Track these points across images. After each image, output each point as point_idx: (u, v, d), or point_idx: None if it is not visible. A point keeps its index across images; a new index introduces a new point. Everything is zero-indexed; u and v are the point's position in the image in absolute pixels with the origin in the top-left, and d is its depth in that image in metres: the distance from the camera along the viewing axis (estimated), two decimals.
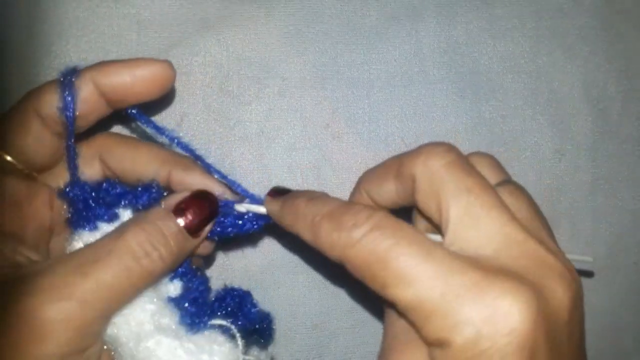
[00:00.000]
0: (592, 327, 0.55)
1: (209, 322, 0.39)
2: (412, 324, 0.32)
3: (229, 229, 0.42)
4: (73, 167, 0.40)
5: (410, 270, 0.31)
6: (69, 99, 0.38)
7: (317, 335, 0.53)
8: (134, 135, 0.50)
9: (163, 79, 0.40)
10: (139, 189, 0.40)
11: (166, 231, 0.37)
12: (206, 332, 0.38)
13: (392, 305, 0.32)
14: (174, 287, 0.40)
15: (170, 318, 0.38)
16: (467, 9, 0.55)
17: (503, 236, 0.32)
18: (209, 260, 0.50)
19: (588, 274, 0.56)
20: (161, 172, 0.41)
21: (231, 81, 0.53)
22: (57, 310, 0.33)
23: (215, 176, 0.44)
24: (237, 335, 0.39)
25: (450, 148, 0.35)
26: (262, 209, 0.42)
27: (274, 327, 0.43)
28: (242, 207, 0.43)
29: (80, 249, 0.37)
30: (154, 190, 0.40)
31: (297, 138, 0.53)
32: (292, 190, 0.41)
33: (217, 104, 0.52)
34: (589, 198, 0.56)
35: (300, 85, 0.53)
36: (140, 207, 0.40)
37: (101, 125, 0.43)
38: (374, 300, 0.53)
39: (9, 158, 0.39)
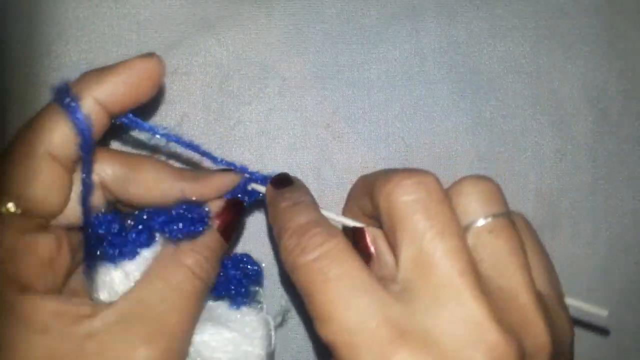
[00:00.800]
0: (592, 327, 0.55)
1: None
2: None
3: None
4: (87, 204, 0.38)
5: (331, 311, 0.31)
6: (87, 131, 0.35)
7: (316, 336, 0.53)
8: (127, 146, 0.49)
9: (156, 74, 0.38)
10: (176, 213, 0.39)
11: (210, 244, 0.38)
12: (241, 309, 0.41)
13: None
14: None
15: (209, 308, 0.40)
16: (467, 8, 0.55)
17: (444, 293, 0.31)
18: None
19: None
20: (172, 192, 0.39)
21: (231, 81, 0.53)
22: (150, 349, 0.33)
23: (220, 165, 0.44)
24: (264, 306, 0.42)
25: (418, 182, 0.33)
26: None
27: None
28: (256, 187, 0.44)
29: (137, 289, 0.35)
30: (195, 213, 0.40)
31: (298, 138, 0.53)
32: (294, 182, 0.42)
33: (217, 104, 0.52)
34: (590, 198, 0.56)
35: (300, 85, 0.53)
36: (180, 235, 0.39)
37: None
38: None
39: (19, 211, 0.35)
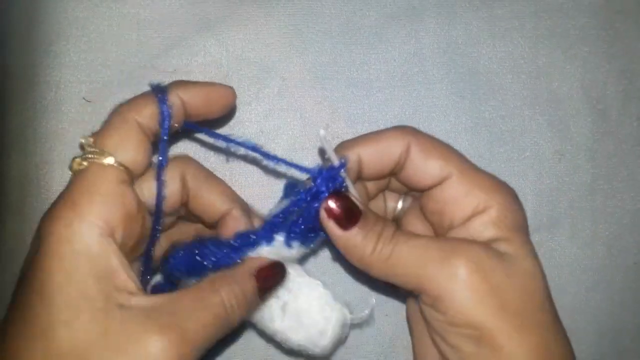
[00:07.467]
0: (592, 327, 0.55)
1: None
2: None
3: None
4: (160, 174, 0.43)
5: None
6: (167, 111, 0.42)
7: None
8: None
9: (228, 100, 0.45)
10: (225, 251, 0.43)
11: (247, 292, 0.41)
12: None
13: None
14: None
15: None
16: (466, 9, 0.56)
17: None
18: None
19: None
20: (224, 206, 0.45)
21: (231, 81, 0.53)
22: (177, 352, 0.35)
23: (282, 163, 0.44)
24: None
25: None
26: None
27: None
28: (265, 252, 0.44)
29: (179, 295, 0.39)
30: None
31: (297, 138, 0.53)
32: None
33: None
34: (589, 198, 0.56)
35: (300, 85, 0.53)
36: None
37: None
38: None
39: (121, 167, 0.40)
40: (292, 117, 0.53)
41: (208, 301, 0.39)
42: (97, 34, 0.51)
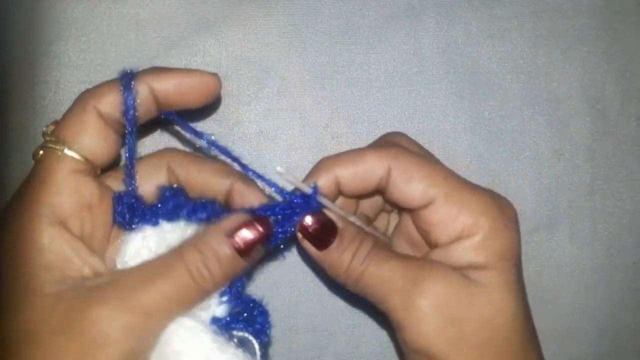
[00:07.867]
0: (591, 327, 0.55)
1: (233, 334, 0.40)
2: None
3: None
4: (131, 167, 0.41)
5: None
6: (131, 101, 0.39)
7: (316, 336, 0.53)
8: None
9: (208, 89, 0.42)
10: (199, 203, 0.41)
11: (220, 254, 0.38)
12: (230, 350, 0.39)
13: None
14: (221, 310, 0.40)
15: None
16: (466, 9, 0.56)
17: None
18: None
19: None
20: (224, 183, 0.43)
21: (230, 81, 0.53)
22: (123, 320, 0.35)
23: (251, 177, 0.43)
24: (258, 353, 0.40)
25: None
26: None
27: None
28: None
29: (142, 265, 0.38)
30: (214, 207, 0.41)
31: (296, 138, 0.53)
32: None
33: (215, 104, 0.52)
34: (588, 198, 0.56)
35: (299, 85, 0.53)
36: (200, 221, 0.41)
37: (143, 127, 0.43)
38: None
39: (77, 156, 0.39)
40: (291, 117, 0.53)
41: (171, 268, 0.37)
42: (96, 34, 0.51)
